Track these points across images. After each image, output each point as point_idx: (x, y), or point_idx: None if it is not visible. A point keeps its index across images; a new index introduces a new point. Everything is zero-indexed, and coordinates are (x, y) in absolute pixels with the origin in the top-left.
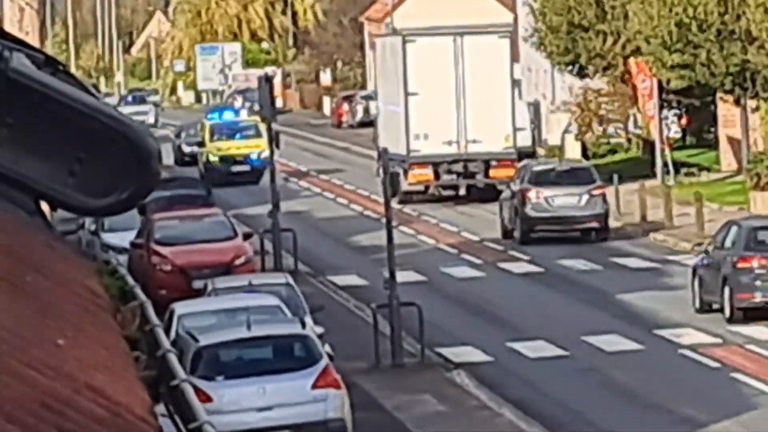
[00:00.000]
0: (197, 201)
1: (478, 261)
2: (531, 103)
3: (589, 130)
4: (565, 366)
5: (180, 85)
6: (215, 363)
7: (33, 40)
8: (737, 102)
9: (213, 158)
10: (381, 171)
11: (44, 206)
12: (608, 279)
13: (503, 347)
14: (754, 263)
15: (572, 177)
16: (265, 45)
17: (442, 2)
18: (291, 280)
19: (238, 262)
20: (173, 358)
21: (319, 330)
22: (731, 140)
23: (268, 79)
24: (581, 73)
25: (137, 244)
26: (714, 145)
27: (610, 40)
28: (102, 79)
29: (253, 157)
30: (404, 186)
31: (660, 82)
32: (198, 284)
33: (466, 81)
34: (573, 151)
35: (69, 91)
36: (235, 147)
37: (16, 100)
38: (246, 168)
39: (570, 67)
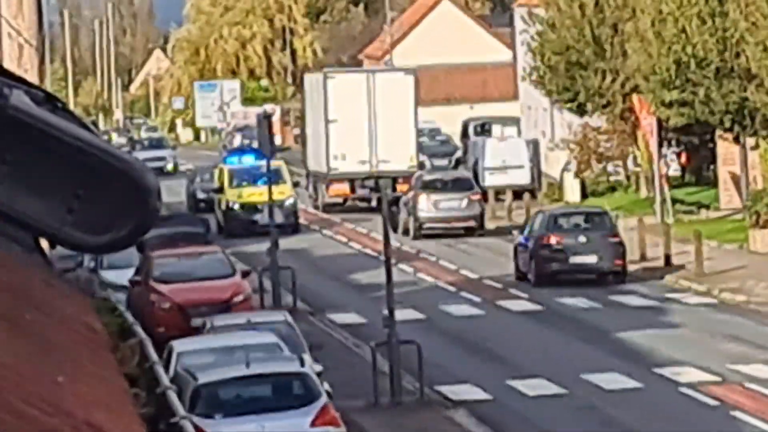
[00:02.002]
0: (196, 238)
1: (477, 299)
2: (530, 141)
3: (588, 167)
4: (564, 404)
5: (179, 122)
6: (214, 401)
7: (32, 78)
8: (736, 140)
9: (233, 206)
10: (311, 188)
11: (43, 243)
12: (608, 315)
13: (502, 385)
14: (552, 240)
15: (455, 185)
16: (263, 82)
17: (440, 40)
18: (290, 318)
19: (236, 299)
20: (173, 396)
21: (318, 368)
22: (732, 177)
23: (267, 117)
24: (580, 111)
25: (136, 281)
26: (713, 183)
27: (609, 77)
28: (101, 116)
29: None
30: (326, 198)
31: (659, 120)
32: (196, 322)
33: (377, 111)
34: (572, 188)
35: (68, 128)
36: (257, 193)
37: (15, 137)
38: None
39: (569, 105)
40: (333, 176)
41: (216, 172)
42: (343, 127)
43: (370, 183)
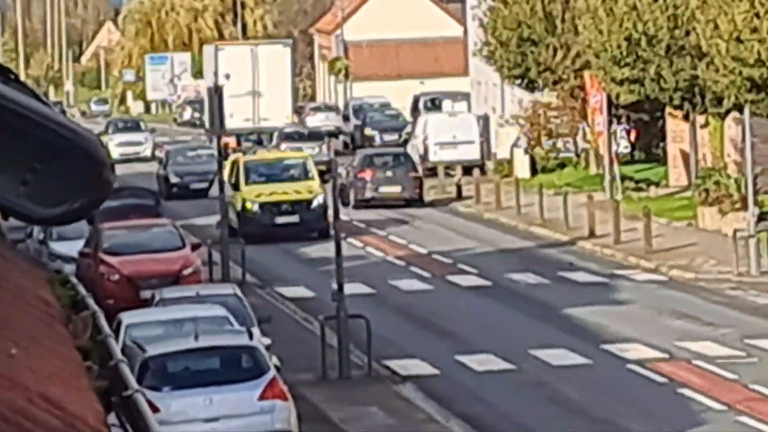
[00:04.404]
0: (146, 211)
1: (426, 274)
2: (480, 117)
3: (538, 143)
4: (512, 380)
5: (129, 94)
6: (162, 373)
7: None
8: (686, 117)
9: (251, 206)
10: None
11: None
12: (557, 291)
13: (450, 360)
14: (366, 175)
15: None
16: None
17: (392, 15)
18: (239, 291)
19: (186, 272)
20: (125, 369)
21: (267, 341)
22: (681, 154)
23: (217, 90)
24: (531, 87)
25: (85, 253)
26: (663, 160)
27: (560, 54)
28: (51, 89)
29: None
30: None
31: (609, 97)
32: (146, 294)
33: (260, 77)
34: (522, 164)
35: (21, 99)
36: (280, 191)
37: None
38: (294, 219)
39: (520, 81)
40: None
41: (228, 165)
42: (230, 91)
43: (253, 137)
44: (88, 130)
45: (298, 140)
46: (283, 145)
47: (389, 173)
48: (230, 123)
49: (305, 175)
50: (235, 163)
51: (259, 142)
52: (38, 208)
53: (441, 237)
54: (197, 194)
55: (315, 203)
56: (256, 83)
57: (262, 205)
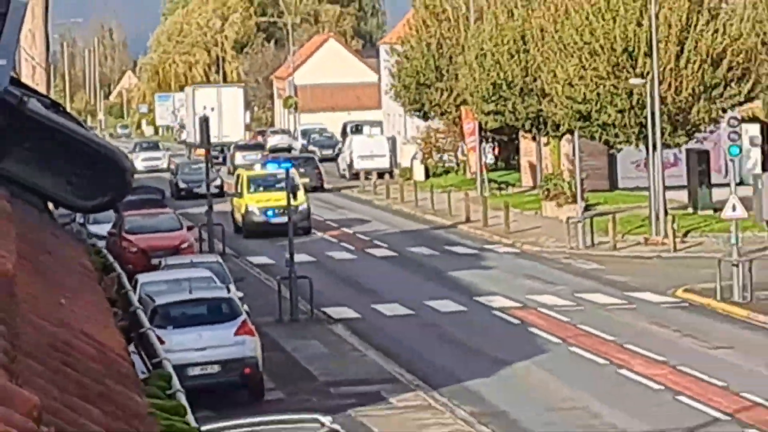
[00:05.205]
0: (155, 203)
1: (352, 248)
2: (389, 138)
3: (430, 156)
4: (412, 322)
5: (144, 122)
6: (167, 316)
7: (42, 90)
8: (534, 138)
9: (253, 210)
10: (187, 151)
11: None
12: (443, 260)
13: (369, 308)
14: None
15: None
16: None
17: (328, 67)
18: (221, 260)
19: (183, 246)
20: (141, 313)
21: (240, 294)
22: (529, 164)
23: (205, 120)
24: (425, 117)
25: (112, 233)
26: (517, 168)
27: (445, 94)
28: (89, 118)
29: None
30: (193, 155)
31: (480, 124)
32: (155, 261)
33: (222, 108)
34: (419, 171)
35: (68, 124)
36: (274, 199)
37: (32, 131)
38: (284, 219)
39: (417, 113)
40: (195, 145)
41: (234, 178)
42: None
43: (218, 149)
44: (115, 146)
45: (246, 150)
46: (238, 154)
47: (302, 169)
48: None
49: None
50: (240, 176)
51: (221, 152)
52: (79, 201)
53: (362, 221)
54: (198, 196)
55: (301, 208)
56: (219, 113)
57: (260, 209)
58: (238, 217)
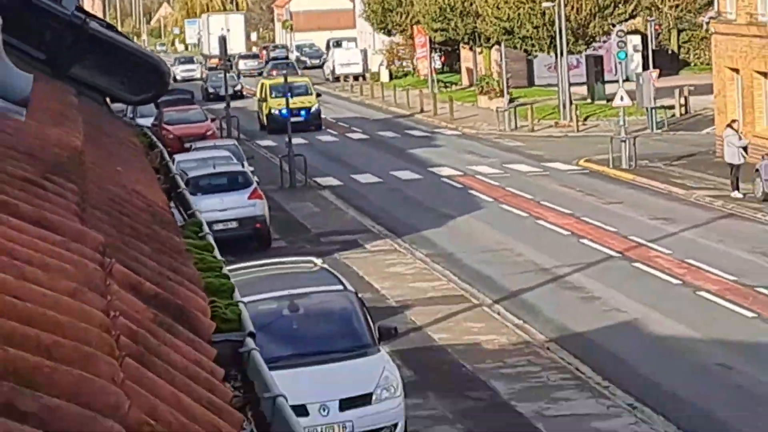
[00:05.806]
0: (186, 101)
1: (335, 133)
2: (362, 50)
3: (392, 63)
4: (381, 187)
5: (176, 41)
6: (197, 185)
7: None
8: (471, 49)
9: (275, 111)
10: (206, 61)
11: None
12: (404, 141)
13: (348, 177)
14: (273, 72)
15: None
16: None
17: None
18: (236, 143)
19: (208, 133)
20: (178, 178)
21: (251, 168)
22: (467, 68)
23: (223, 38)
24: (389, 34)
25: (155, 124)
26: (458, 71)
27: (404, 16)
28: (134, 38)
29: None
30: (208, 64)
31: (430, 38)
32: (187, 145)
33: (230, 29)
34: (384, 75)
35: (121, 39)
36: (291, 102)
37: (93, 44)
38: (300, 119)
39: (383, 31)
40: (210, 56)
41: (258, 87)
42: (214, 36)
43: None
44: (157, 55)
45: (246, 59)
46: (241, 61)
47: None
48: (216, 50)
49: (306, 92)
50: (263, 85)
51: (228, 60)
52: (130, 96)
53: (341, 113)
54: (221, 98)
55: (313, 108)
56: (226, 32)
57: (281, 110)
58: (263, 117)
